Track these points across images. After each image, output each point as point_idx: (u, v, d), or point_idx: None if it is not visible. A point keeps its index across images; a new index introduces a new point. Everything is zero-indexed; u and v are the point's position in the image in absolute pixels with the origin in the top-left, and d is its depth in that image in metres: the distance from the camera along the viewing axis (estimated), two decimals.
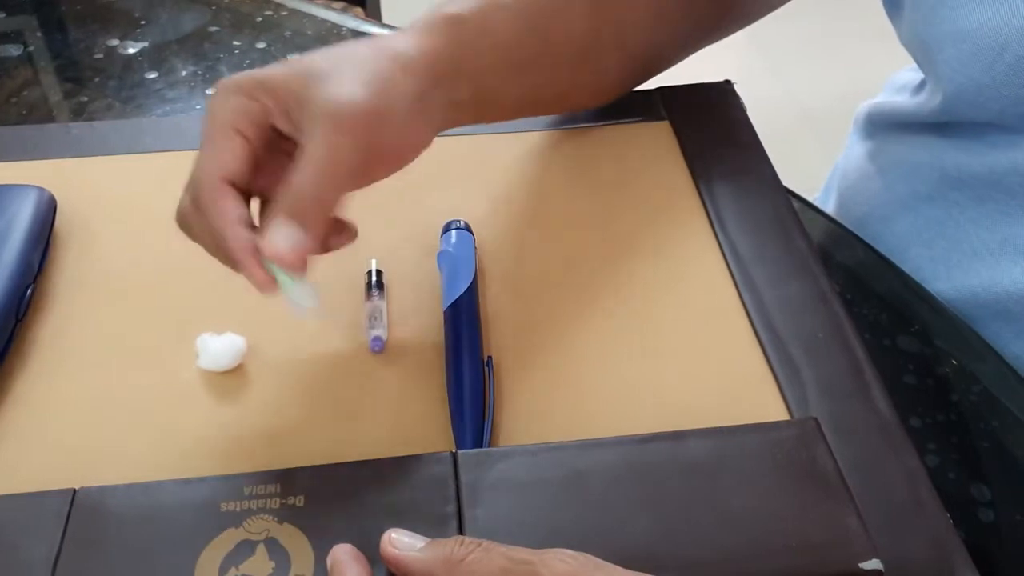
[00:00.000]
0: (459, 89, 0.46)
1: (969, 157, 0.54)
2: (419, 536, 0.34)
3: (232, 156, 0.39)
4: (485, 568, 0.31)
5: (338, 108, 0.38)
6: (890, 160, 0.62)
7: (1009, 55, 0.47)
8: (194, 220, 0.40)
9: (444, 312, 0.46)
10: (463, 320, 0.45)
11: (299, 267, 0.38)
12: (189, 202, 0.41)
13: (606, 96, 0.57)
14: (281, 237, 0.37)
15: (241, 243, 0.38)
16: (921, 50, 0.53)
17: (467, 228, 0.49)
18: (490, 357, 0.44)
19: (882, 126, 0.64)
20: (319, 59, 0.41)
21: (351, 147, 0.39)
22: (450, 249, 0.48)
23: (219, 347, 0.44)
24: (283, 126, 0.41)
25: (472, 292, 0.46)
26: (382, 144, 0.40)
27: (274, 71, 0.41)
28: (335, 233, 0.42)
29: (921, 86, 0.59)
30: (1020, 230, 0.52)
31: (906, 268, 0.54)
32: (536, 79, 0.51)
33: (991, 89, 0.49)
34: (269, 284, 0.38)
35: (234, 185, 0.40)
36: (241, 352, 0.44)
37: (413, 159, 0.43)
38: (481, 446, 0.40)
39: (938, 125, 0.57)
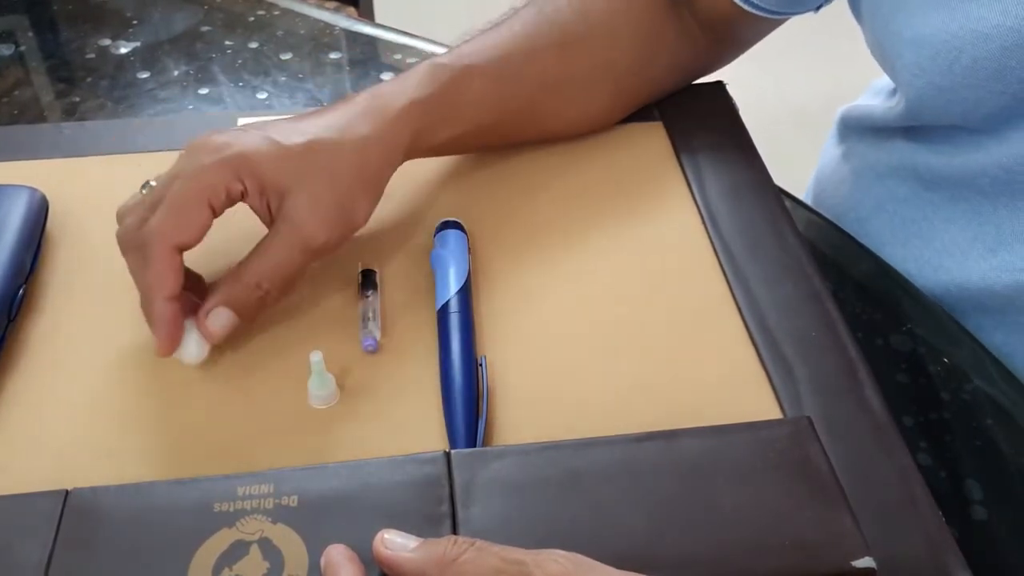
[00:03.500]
0: (441, 134, 0.50)
1: (940, 160, 0.55)
2: (412, 536, 0.34)
3: (195, 231, 0.42)
4: (478, 568, 0.31)
5: (311, 237, 0.44)
6: (864, 162, 0.62)
7: (965, 58, 0.47)
8: (133, 252, 0.43)
9: (437, 312, 0.46)
10: (456, 320, 0.45)
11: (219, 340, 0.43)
12: (135, 232, 0.43)
13: (598, 126, 0.58)
14: (219, 322, 0.43)
15: (166, 317, 0.42)
16: (882, 57, 0.54)
17: (460, 228, 0.49)
18: (483, 357, 0.44)
19: (855, 129, 0.65)
20: (303, 153, 0.44)
21: (302, 263, 0.44)
22: (443, 249, 0.48)
23: (186, 342, 0.43)
24: (252, 204, 0.44)
25: (465, 292, 0.46)
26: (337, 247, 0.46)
27: (261, 151, 0.43)
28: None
29: (894, 93, 0.60)
30: (990, 228, 0.52)
31: None
32: (513, 129, 0.55)
33: (950, 92, 0.50)
34: (168, 351, 0.43)
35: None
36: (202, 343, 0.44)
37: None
38: (475, 446, 0.40)
39: (907, 129, 0.58)
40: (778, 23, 0.59)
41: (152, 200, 0.43)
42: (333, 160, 0.44)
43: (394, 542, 0.34)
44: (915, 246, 0.57)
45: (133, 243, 0.43)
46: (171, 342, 0.42)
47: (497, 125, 0.53)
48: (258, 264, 0.43)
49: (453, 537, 0.33)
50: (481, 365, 0.43)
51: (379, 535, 0.34)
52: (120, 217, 0.45)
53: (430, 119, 0.49)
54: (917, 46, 0.50)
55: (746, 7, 0.56)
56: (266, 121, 0.46)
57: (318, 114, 0.47)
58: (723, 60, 0.63)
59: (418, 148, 0.49)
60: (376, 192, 0.47)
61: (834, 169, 0.66)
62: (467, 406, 0.41)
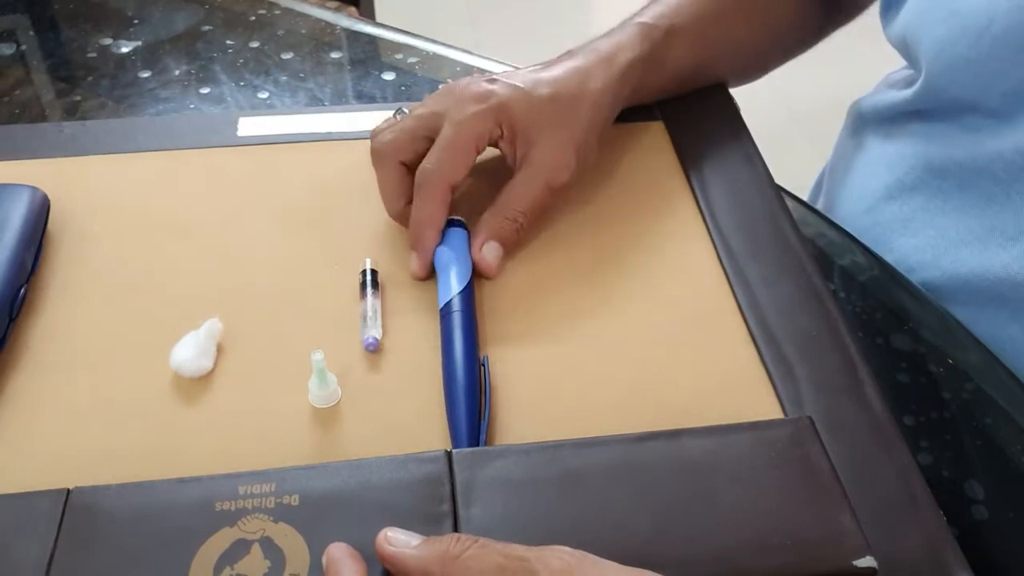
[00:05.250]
0: (651, 86, 0.57)
1: (953, 146, 0.55)
2: (415, 534, 0.34)
3: (464, 169, 0.48)
4: (481, 565, 0.32)
5: (555, 176, 0.50)
6: (875, 152, 0.62)
7: (995, 28, 0.48)
8: (399, 176, 0.50)
9: (440, 310, 0.46)
10: (459, 319, 0.45)
11: (493, 275, 0.48)
12: (410, 154, 0.49)
13: (752, 78, 0.64)
14: (492, 253, 0.48)
15: (431, 246, 0.48)
16: (913, 34, 0.55)
17: (463, 226, 0.49)
18: (486, 356, 0.44)
19: (868, 120, 0.64)
20: (549, 103, 0.50)
21: (548, 200, 0.50)
22: (446, 247, 0.48)
23: (185, 355, 0.43)
24: (504, 148, 0.51)
25: (468, 291, 0.46)
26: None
27: (516, 100, 0.49)
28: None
29: (910, 84, 0.60)
30: (1007, 216, 0.52)
31: (892, 258, 0.55)
32: (699, 79, 0.60)
33: (976, 64, 0.50)
34: (425, 273, 0.48)
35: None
36: (207, 351, 0.44)
37: None
38: (477, 445, 0.40)
39: (921, 113, 0.58)
40: None
41: (407, 127, 0.49)
42: (574, 110, 0.50)
43: (397, 539, 0.34)
44: (926, 236, 0.56)
45: (405, 146, 0.49)
46: (428, 267, 0.48)
47: (690, 78, 0.59)
48: (515, 202, 0.49)
49: (456, 534, 0.33)
50: (484, 365, 0.43)
51: (382, 533, 0.34)
52: (375, 134, 0.51)
53: (645, 73, 0.55)
54: (950, 18, 0.51)
55: None
56: (508, 71, 0.52)
57: (554, 66, 0.53)
58: (826, 29, 0.67)
59: (632, 99, 0.56)
60: (602, 135, 0.53)
61: (845, 163, 0.66)
62: (470, 406, 0.41)
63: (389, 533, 0.34)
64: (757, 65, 0.64)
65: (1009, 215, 0.52)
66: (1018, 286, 0.52)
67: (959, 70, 0.51)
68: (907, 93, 0.58)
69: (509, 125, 0.49)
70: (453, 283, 0.46)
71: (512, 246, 0.49)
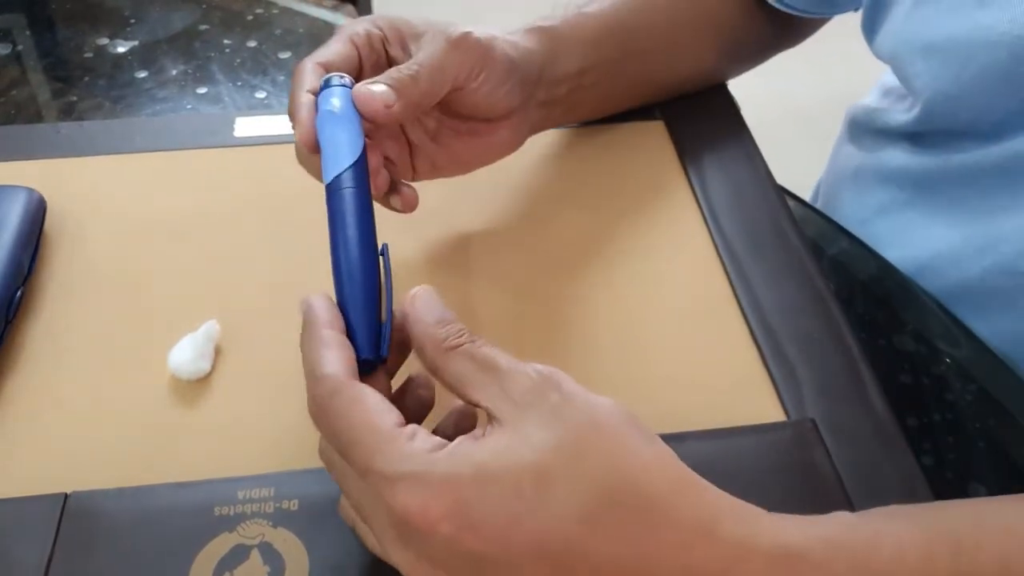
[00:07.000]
0: (549, 92, 0.51)
1: (946, 162, 0.55)
2: (438, 306, 0.34)
3: (335, 53, 0.45)
4: (457, 367, 0.32)
5: (453, 32, 0.45)
6: (869, 166, 0.63)
7: (974, 65, 0.48)
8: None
9: (327, 187, 0.38)
10: (352, 197, 0.38)
11: (383, 120, 0.42)
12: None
13: (706, 82, 0.61)
14: (377, 88, 0.41)
15: (304, 100, 0.42)
16: (898, 64, 0.55)
17: (349, 85, 0.42)
18: (385, 245, 0.37)
19: (864, 131, 0.65)
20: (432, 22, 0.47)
21: (454, 59, 0.44)
22: (329, 108, 0.41)
23: (183, 358, 0.43)
24: (395, 53, 0.46)
25: (361, 163, 0.39)
26: (478, 80, 0.46)
27: (398, 16, 0.47)
28: (398, 193, 0.46)
29: (904, 96, 0.60)
30: (977, 229, 0.52)
31: None
32: (626, 71, 0.56)
33: (960, 99, 0.50)
34: (310, 141, 0.41)
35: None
36: (205, 353, 0.44)
37: (500, 142, 0.49)
38: (380, 354, 0.35)
39: (916, 136, 0.58)
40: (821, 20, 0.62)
41: None
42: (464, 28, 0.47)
43: (424, 303, 0.34)
44: (915, 249, 0.56)
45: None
46: (310, 132, 0.41)
47: (616, 66, 0.55)
48: (415, 59, 0.44)
49: (462, 327, 0.33)
50: (383, 254, 0.37)
51: (415, 291, 0.34)
52: None
53: (555, 46, 0.51)
54: (927, 54, 0.50)
55: (779, 7, 0.58)
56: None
57: None
58: (782, 45, 0.65)
59: (549, 77, 0.51)
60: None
61: (840, 171, 0.66)
62: (369, 306, 0.35)
63: (420, 295, 0.34)
64: (703, 66, 0.61)
65: (979, 227, 0.52)
66: (989, 294, 0.52)
67: (945, 104, 0.51)
68: (903, 118, 0.58)
69: (390, 27, 0.46)
70: (342, 153, 0.39)
71: (407, 93, 0.42)
